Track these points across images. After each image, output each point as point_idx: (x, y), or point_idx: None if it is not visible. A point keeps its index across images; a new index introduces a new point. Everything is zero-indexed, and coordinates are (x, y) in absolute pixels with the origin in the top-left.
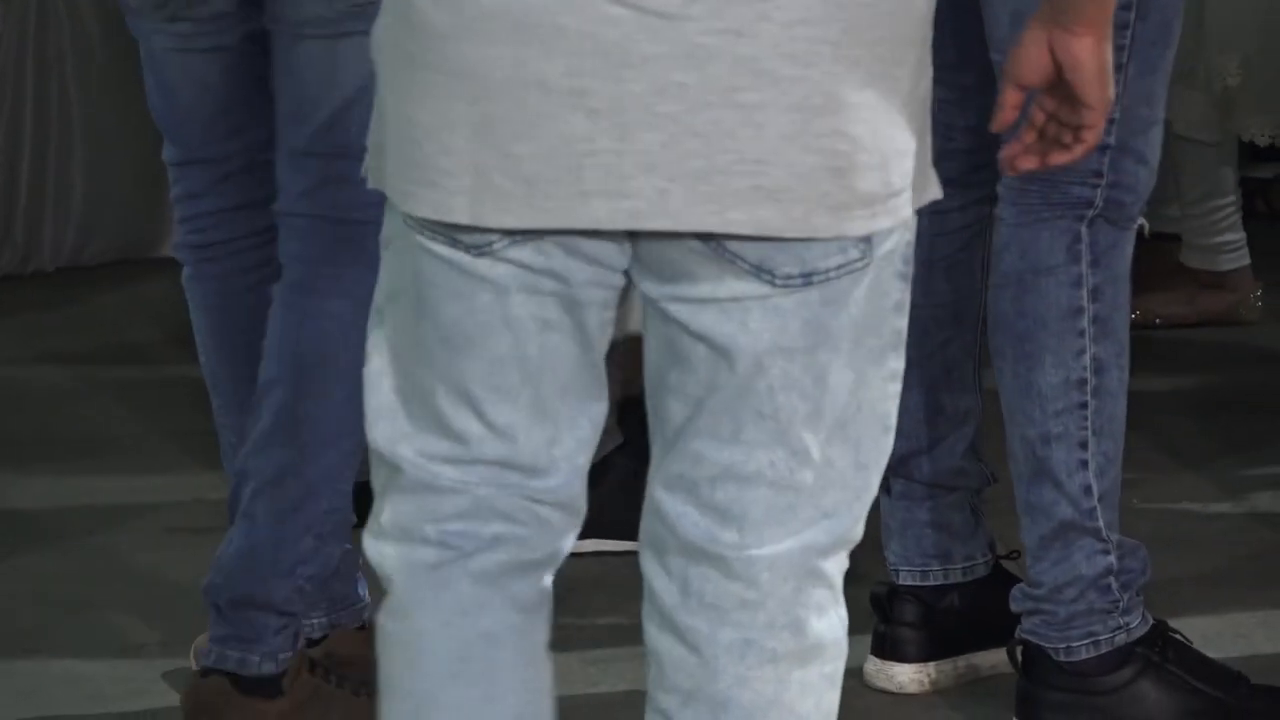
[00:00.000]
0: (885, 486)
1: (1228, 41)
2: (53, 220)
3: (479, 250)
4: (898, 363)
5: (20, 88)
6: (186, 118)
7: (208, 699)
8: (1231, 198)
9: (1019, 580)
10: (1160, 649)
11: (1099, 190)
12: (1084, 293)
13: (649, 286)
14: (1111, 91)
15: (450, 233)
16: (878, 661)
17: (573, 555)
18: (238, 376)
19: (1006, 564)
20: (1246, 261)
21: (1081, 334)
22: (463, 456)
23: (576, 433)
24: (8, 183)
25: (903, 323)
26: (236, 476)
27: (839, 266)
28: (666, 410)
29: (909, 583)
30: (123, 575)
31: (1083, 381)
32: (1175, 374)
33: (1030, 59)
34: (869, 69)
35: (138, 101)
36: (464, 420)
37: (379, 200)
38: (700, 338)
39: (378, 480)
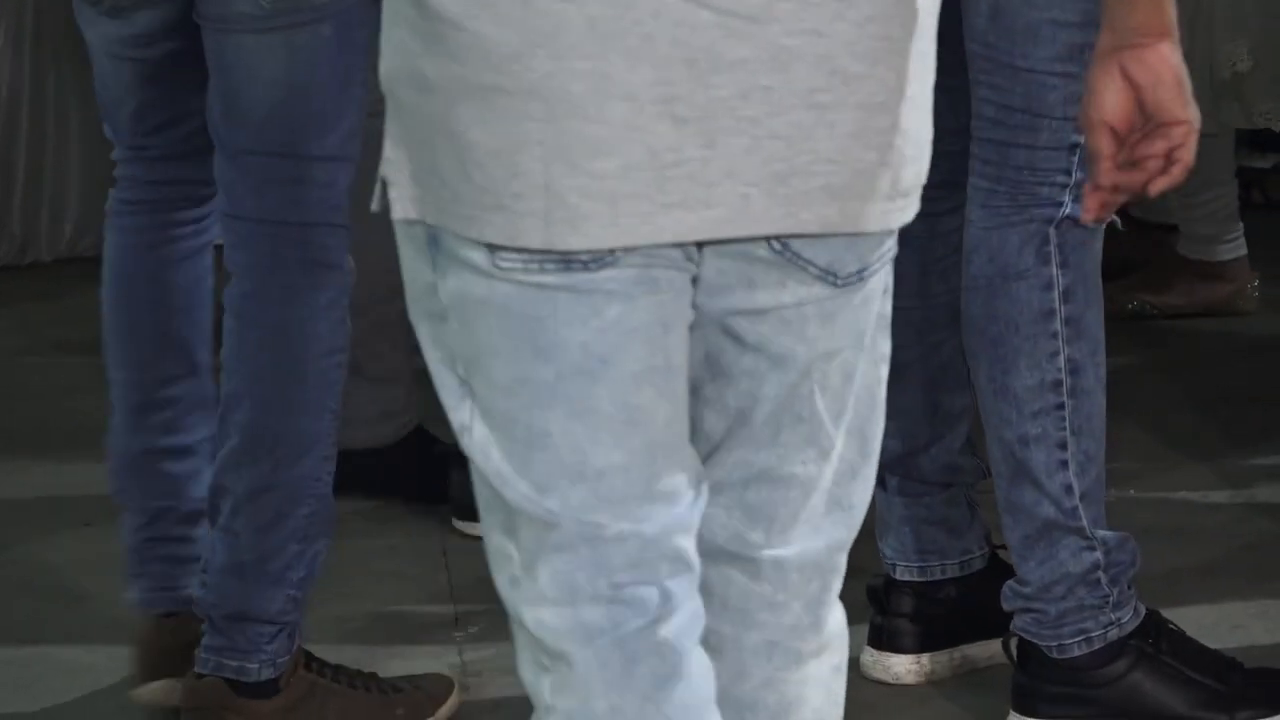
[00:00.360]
0: (882, 482)
1: (1235, 27)
2: (49, 212)
3: (600, 263)
4: (886, 345)
5: (17, 80)
6: (114, 108)
7: (205, 700)
8: (1229, 188)
9: (1014, 571)
10: (1153, 640)
11: (1067, 190)
12: (1055, 295)
13: (699, 295)
14: (1194, 106)
15: (563, 257)
16: (874, 652)
17: None
18: (132, 329)
19: (1002, 554)
20: (1244, 252)
21: (1055, 336)
22: (608, 495)
23: (687, 451)
24: (4, 175)
25: (889, 306)
26: (212, 488)
27: (878, 259)
28: (701, 424)
29: (906, 578)
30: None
31: (1058, 383)
32: (1173, 365)
33: (1107, 93)
34: (913, 63)
35: None
36: (605, 453)
37: (332, 202)
38: (755, 349)
39: (521, 545)
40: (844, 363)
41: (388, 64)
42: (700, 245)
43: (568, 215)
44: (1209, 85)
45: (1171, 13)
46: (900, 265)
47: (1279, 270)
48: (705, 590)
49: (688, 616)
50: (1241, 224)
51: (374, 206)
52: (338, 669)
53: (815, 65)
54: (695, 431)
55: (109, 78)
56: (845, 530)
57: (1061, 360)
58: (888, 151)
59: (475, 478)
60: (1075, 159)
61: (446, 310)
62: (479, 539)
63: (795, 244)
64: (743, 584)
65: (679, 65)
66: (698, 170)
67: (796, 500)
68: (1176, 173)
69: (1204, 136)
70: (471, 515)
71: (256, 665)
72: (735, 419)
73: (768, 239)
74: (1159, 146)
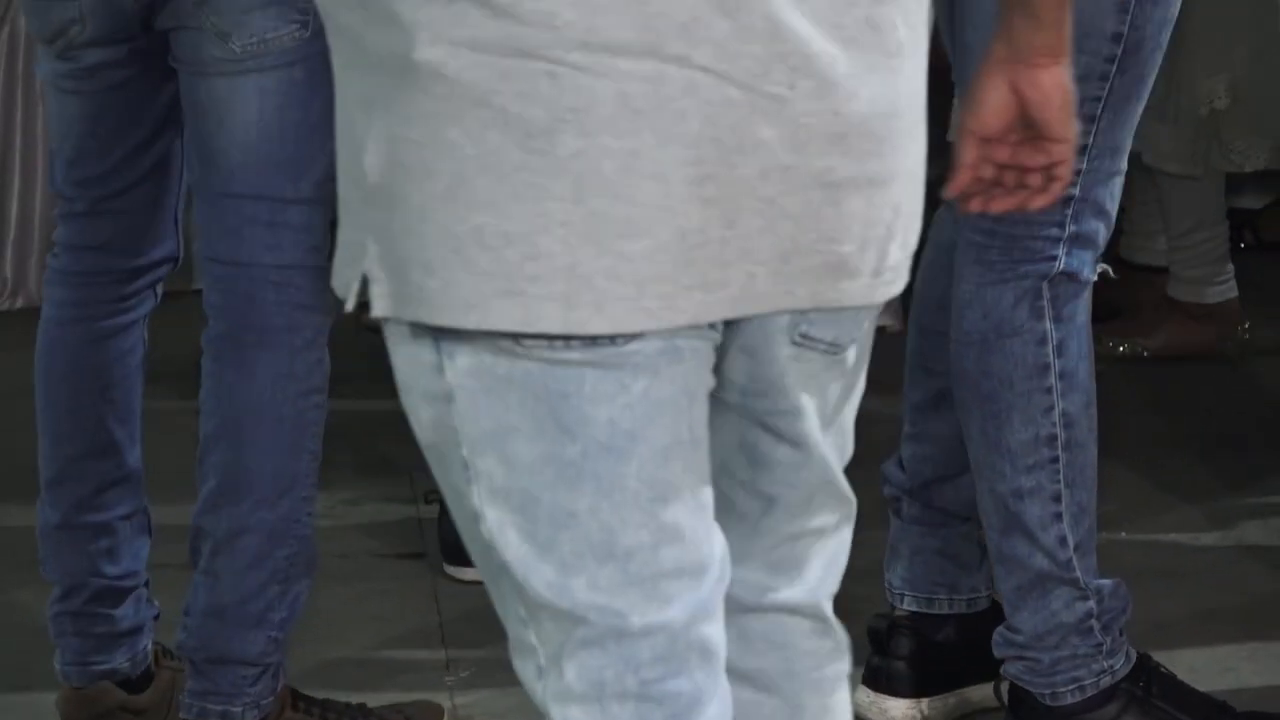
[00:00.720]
0: (898, 511)
1: (1215, 65)
2: (39, 256)
3: (627, 337)
4: (863, 375)
5: (9, 121)
6: (55, 156)
7: None
8: (1219, 230)
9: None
10: (1144, 683)
11: (1061, 244)
12: (1049, 349)
13: (732, 395)
14: (1076, 124)
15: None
16: (871, 693)
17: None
18: (48, 403)
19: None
20: (1234, 294)
21: (1049, 391)
22: (638, 574)
23: (711, 523)
24: None
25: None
26: (193, 531)
27: (871, 321)
28: (735, 504)
29: (912, 609)
30: None
31: (1053, 437)
32: (1163, 407)
33: (993, 105)
34: (913, 135)
35: None
36: (633, 531)
37: (308, 244)
38: (792, 443)
39: (545, 639)
40: (850, 418)
41: (375, 158)
42: (726, 335)
43: (593, 298)
44: (1191, 125)
45: (1067, 34)
46: (947, 295)
47: (1269, 310)
48: (746, 635)
49: (717, 710)
50: (1232, 265)
51: (348, 307)
52: (325, 704)
53: (830, 144)
54: (728, 510)
55: (52, 116)
56: (844, 554)
57: (1056, 415)
58: (888, 228)
59: (489, 567)
60: (1069, 211)
61: (453, 391)
62: (470, 583)
63: (813, 330)
64: (781, 620)
65: (708, 144)
66: (717, 251)
67: (816, 548)
68: (1056, 189)
69: (1189, 178)
70: (462, 559)
71: (240, 708)
72: (769, 501)
73: (790, 337)
74: (1039, 160)
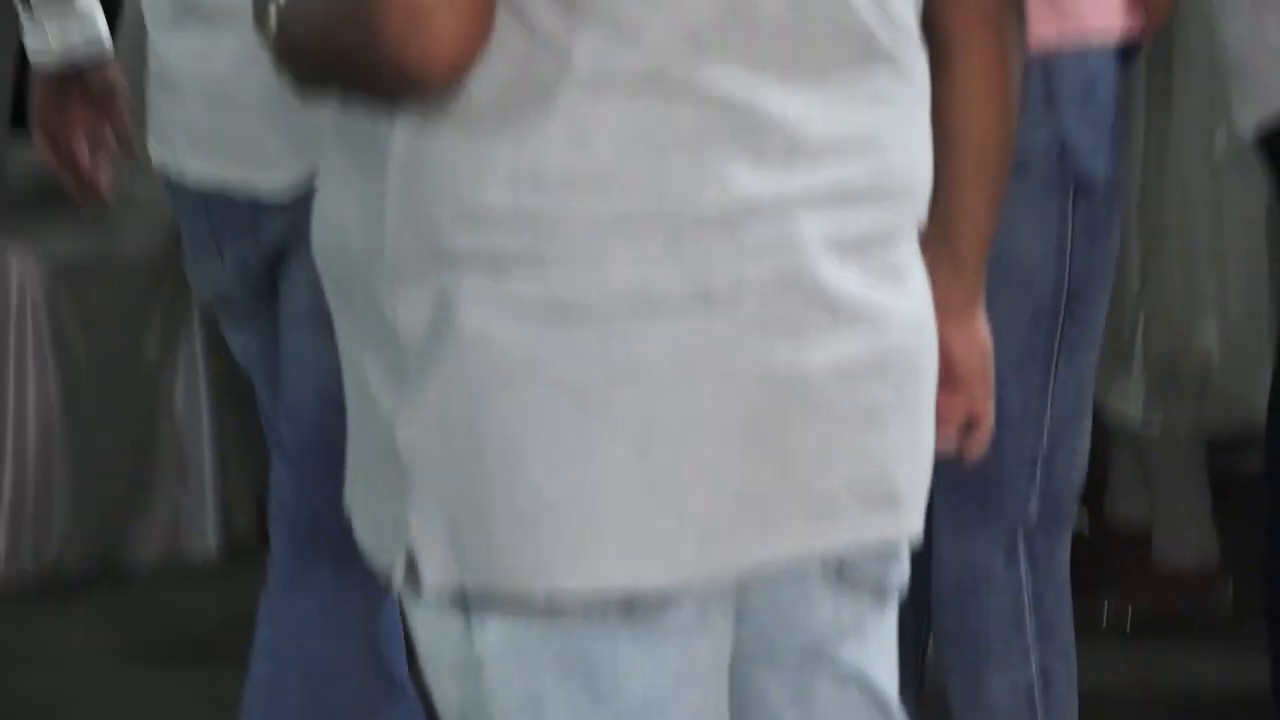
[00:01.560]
0: None
1: (1197, 318)
2: (33, 529)
3: (664, 605)
4: None
5: (1, 395)
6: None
7: None
8: (1202, 496)
9: None
10: None
11: (1032, 499)
12: (1025, 601)
13: (765, 648)
14: (993, 371)
15: (628, 599)
16: None
17: None
18: None
19: None
20: (1216, 560)
21: (1026, 643)
22: None
23: None
24: None
25: None
26: None
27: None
28: None
29: None
30: None
31: (1030, 686)
32: (1146, 677)
33: None
34: (936, 357)
35: (116, 412)
36: None
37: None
38: (834, 677)
39: None
40: (892, 635)
41: (412, 431)
42: (753, 585)
43: (658, 550)
44: (1176, 383)
45: (980, 287)
46: None
47: (1251, 573)
48: None
49: None
50: (1215, 530)
51: (395, 585)
52: None
53: (872, 373)
54: None
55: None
56: None
57: (1034, 668)
58: (926, 455)
59: None
60: (1039, 462)
61: (483, 660)
62: None
63: (851, 569)
64: None
65: (760, 388)
66: (777, 495)
67: None
68: (984, 431)
69: (1173, 441)
70: None
71: None
72: None
73: (824, 572)
74: (960, 401)
